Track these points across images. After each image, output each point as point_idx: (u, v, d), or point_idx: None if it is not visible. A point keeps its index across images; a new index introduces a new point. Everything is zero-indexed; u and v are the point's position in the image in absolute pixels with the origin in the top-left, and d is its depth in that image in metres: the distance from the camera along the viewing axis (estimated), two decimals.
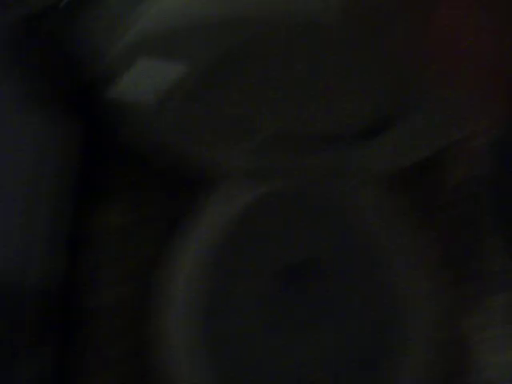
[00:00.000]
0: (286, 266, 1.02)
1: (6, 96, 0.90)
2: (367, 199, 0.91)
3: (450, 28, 0.64)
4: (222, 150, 0.88)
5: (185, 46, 0.72)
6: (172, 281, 0.91)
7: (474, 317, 1.12)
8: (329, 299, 1.01)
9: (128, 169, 1.26)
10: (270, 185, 0.94)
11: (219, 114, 0.82)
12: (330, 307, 1.00)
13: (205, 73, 0.75)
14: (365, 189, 0.91)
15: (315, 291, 1.02)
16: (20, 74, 0.91)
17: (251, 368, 0.97)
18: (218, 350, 0.96)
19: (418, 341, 0.85)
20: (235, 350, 0.96)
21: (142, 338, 1.01)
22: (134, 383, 1.02)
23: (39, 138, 0.99)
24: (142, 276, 1.18)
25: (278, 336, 1.00)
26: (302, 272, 1.03)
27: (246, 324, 0.99)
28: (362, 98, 0.80)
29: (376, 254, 0.91)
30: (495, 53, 0.67)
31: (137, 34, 0.73)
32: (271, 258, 1.02)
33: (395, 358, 0.84)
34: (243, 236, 0.98)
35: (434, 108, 0.78)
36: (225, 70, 0.75)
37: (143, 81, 0.77)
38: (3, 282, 0.88)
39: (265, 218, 0.98)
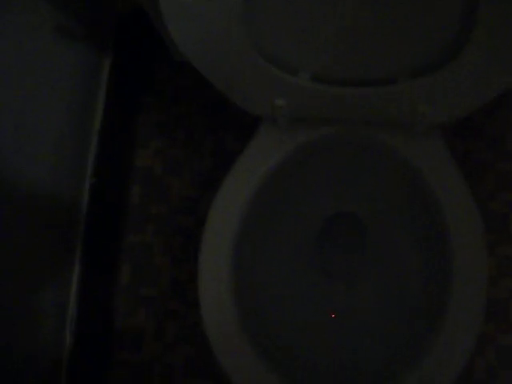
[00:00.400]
0: (326, 218, 1.00)
1: (42, 29, 0.88)
2: (420, 152, 0.85)
3: None
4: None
5: None
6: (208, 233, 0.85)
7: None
8: (372, 252, 0.98)
9: (164, 105, 1.26)
10: (313, 133, 0.88)
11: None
12: (374, 260, 0.98)
13: None
14: (418, 140, 0.85)
15: (358, 244, 0.99)
16: (54, 8, 0.89)
17: (294, 324, 0.94)
18: (265, 302, 0.93)
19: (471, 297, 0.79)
20: (275, 302, 0.94)
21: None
22: None
23: (71, 69, 0.98)
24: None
25: (323, 288, 0.98)
26: (341, 225, 1.00)
27: (286, 276, 0.97)
28: (418, 36, 0.74)
29: (430, 210, 0.86)
30: None
31: None
32: (312, 208, 1.00)
33: (444, 314, 0.79)
34: (285, 184, 0.94)
35: (487, 55, 0.72)
36: None
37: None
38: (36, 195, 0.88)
39: (307, 167, 0.95)
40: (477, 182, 1.14)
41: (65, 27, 0.93)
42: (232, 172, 0.87)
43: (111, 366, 1.14)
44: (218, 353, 0.78)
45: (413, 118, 0.82)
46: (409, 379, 0.77)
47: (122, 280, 1.18)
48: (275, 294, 0.94)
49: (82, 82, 1.03)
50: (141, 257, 1.19)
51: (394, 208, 0.96)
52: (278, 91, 0.80)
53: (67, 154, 0.99)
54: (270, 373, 0.78)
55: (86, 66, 1.04)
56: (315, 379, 0.87)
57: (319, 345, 0.93)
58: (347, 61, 0.78)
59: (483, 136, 1.17)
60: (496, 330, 1.09)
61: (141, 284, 1.18)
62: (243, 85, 0.80)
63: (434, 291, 0.85)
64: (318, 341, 0.93)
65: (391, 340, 0.91)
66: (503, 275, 1.11)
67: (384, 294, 0.95)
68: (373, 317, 0.95)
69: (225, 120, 1.24)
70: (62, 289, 1.00)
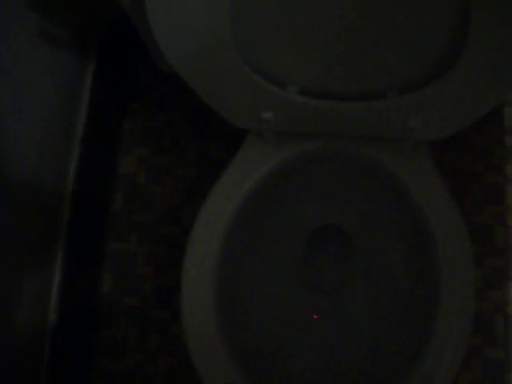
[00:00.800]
0: (311, 230, 0.99)
1: (25, 33, 0.86)
2: (407, 166, 0.84)
3: None
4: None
5: None
6: (194, 240, 0.84)
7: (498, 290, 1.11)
8: (359, 263, 0.97)
9: (148, 112, 1.25)
10: (300, 146, 0.86)
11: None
12: (361, 271, 0.97)
13: None
14: (405, 155, 0.84)
15: (344, 256, 0.98)
16: (38, 14, 0.88)
17: (283, 331, 0.93)
18: (249, 312, 0.92)
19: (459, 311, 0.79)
20: (260, 314, 0.93)
21: None
22: None
23: (54, 74, 0.97)
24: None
25: (310, 298, 0.97)
26: (327, 236, 0.99)
27: (271, 288, 0.95)
28: (408, 50, 0.73)
29: (416, 224, 0.85)
30: None
31: None
32: (298, 221, 0.98)
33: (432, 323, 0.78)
34: (271, 197, 0.93)
35: (479, 69, 0.71)
36: None
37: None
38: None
39: (294, 179, 0.94)
40: (464, 195, 1.13)
41: (49, 32, 0.91)
42: (218, 184, 0.85)
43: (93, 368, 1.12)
44: (198, 363, 0.78)
45: (402, 134, 0.81)
46: None
47: (104, 288, 1.16)
48: (260, 306, 0.93)
49: (65, 88, 1.01)
50: (123, 265, 1.17)
51: (381, 221, 0.95)
52: (266, 104, 0.79)
53: (49, 160, 0.97)
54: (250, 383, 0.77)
55: (70, 71, 1.02)
56: None
57: (303, 354, 0.92)
58: (336, 75, 0.77)
59: (470, 148, 1.17)
60: (482, 343, 1.08)
61: (123, 293, 1.16)
62: (230, 97, 0.78)
63: (422, 303, 0.85)
64: (302, 350, 0.93)
65: (377, 350, 0.90)
66: (490, 287, 1.11)
67: (371, 305, 0.94)
68: (358, 326, 0.94)
69: (210, 128, 1.23)
70: (41, 291, 0.98)
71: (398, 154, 0.84)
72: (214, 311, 0.80)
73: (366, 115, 0.79)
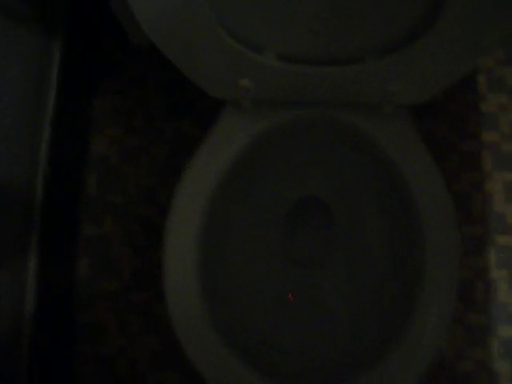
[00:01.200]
0: (291, 204, 0.98)
1: None
2: (387, 130, 0.83)
3: None
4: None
5: None
6: (173, 218, 0.82)
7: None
8: (340, 236, 0.96)
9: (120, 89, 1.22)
10: (279, 115, 0.85)
11: None
12: (342, 243, 0.96)
13: None
14: (386, 120, 0.83)
15: (324, 229, 0.97)
16: None
17: (261, 311, 0.91)
18: (231, 287, 0.90)
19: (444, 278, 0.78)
20: (242, 289, 0.91)
21: None
22: None
23: (19, 53, 0.93)
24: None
25: (293, 272, 0.96)
26: (306, 210, 0.98)
27: (252, 262, 0.94)
28: (386, 12, 0.72)
29: (398, 190, 0.84)
30: None
31: None
32: (278, 193, 0.97)
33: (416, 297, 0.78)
34: (250, 170, 0.91)
35: (456, 32, 0.70)
36: None
37: None
38: None
39: (272, 150, 0.92)
40: (440, 163, 1.13)
41: (7, 6, 0.88)
42: (195, 159, 0.83)
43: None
44: (184, 341, 0.77)
45: (382, 98, 0.80)
46: (382, 364, 0.76)
47: (81, 273, 1.14)
48: (241, 280, 0.92)
49: (32, 67, 0.97)
50: (100, 248, 1.15)
51: (361, 191, 0.94)
52: (243, 71, 0.77)
53: (19, 143, 0.94)
54: (236, 359, 0.76)
55: (35, 49, 0.99)
56: (282, 365, 0.85)
57: (286, 330, 0.91)
58: (313, 39, 0.75)
59: (446, 116, 1.17)
60: (464, 310, 1.09)
61: (101, 277, 1.14)
62: (207, 64, 0.76)
63: (405, 273, 0.84)
64: (285, 326, 0.92)
65: (359, 322, 0.90)
66: (470, 254, 1.11)
67: (353, 278, 0.93)
68: (341, 301, 0.93)
69: (182, 104, 1.20)
70: (17, 281, 0.95)
71: (379, 120, 0.83)
72: (198, 288, 0.79)
73: (346, 80, 0.78)
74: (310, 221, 0.98)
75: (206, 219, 0.82)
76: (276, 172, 0.96)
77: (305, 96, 0.81)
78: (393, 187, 0.85)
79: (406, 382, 0.76)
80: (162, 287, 0.78)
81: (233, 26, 0.73)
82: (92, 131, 1.19)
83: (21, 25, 0.92)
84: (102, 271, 1.14)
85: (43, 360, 1.01)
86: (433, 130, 1.16)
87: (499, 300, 1.10)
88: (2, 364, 0.91)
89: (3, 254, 0.91)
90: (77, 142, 1.16)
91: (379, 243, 0.92)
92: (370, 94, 0.80)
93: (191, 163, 0.83)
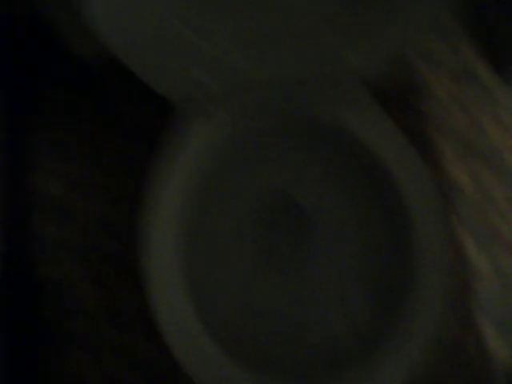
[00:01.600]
0: (263, 202, 0.96)
1: None
2: (360, 120, 0.83)
3: None
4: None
5: None
6: (150, 220, 0.80)
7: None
8: (317, 238, 0.95)
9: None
10: (239, 110, 0.83)
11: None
12: (320, 247, 0.95)
13: None
14: (356, 105, 0.83)
15: (298, 229, 0.96)
16: None
17: (241, 308, 0.89)
18: (206, 290, 0.87)
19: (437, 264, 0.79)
20: (223, 287, 0.89)
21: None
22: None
23: None
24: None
25: (267, 275, 0.93)
26: (281, 212, 0.97)
27: (232, 261, 0.91)
28: None
29: (370, 167, 0.84)
30: None
31: None
32: (252, 193, 0.94)
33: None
34: (223, 168, 0.90)
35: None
36: None
37: None
38: None
39: (242, 149, 0.90)
40: None
41: None
42: (160, 171, 0.81)
43: None
44: (172, 344, 0.76)
45: (338, 67, 0.80)
46: (376, 355, 0.77)
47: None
48: (222, 278, 0.90)
49: None
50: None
51: (335, 186, 0.94)
52: (197, 61, 0.75)
53: None
54: (224, 356, 0.76)
55: None
56: (274, 362, 0.84)
57: (275, 327, 0.89)
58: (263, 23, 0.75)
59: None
60: None
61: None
62: (159, 58, 0.74)
63: (396, 259, 0.84)
64: (274, 323, 0.89)
65: (352, 315, 0.89)
66: None
67: (340, 270, 0.92)
68: (330, 294, 0.92)
69: (121, 126, 1.15)
70: None
71: (344, 102, 0.83)
72: (183, 287, 0.78)
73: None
74: (285, 224, 0.96)
75: (184, 227, 0.81)
76: (250, 169, 0.94)
77: (261, 81, 0.80)
78: (366, 169, 0.86)
79: (400, 370, 0.76)
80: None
81: (186, 14, 0.71)
82: (27, 166, 1.11)
83: None
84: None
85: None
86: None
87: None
88: None
89: None
90: (14, 181, 1.08)
91: (356, 231, 0.92)
92: (326, 66, 0.80)
93: (156, 178, 0.81)
